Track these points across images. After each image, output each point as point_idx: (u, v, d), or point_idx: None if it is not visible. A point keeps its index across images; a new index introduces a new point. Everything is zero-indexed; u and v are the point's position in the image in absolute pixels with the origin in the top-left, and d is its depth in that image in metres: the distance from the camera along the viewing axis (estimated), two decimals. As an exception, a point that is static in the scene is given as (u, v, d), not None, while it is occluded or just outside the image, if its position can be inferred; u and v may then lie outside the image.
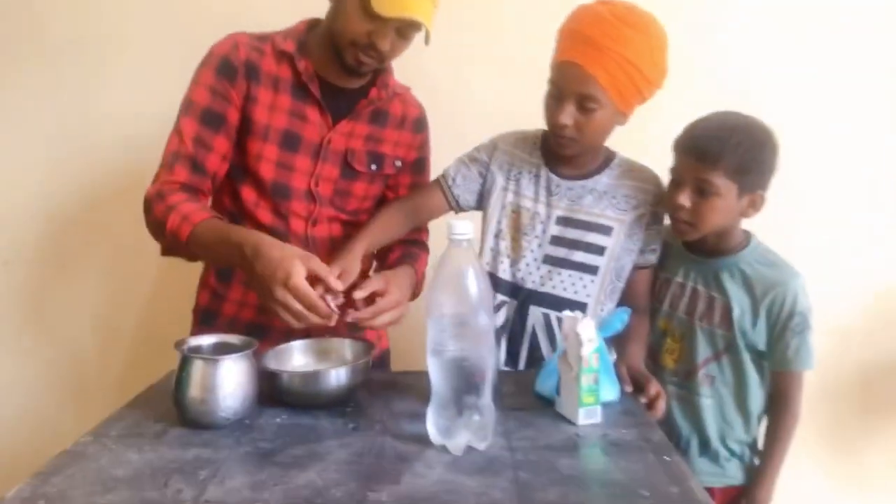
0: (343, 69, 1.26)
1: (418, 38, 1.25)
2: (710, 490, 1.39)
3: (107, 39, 1.93)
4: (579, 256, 1.32)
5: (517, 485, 0.83)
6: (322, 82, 1.29)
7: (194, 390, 0.97)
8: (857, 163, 1.97)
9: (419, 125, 1.42)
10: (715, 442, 1.38)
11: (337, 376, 1.07)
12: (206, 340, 1.06)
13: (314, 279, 1.05)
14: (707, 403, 1.37)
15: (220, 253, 1.13)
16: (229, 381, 0.98)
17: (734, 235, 1.36)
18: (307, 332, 1.18)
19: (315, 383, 1.07)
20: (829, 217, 1.97)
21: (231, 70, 1.24)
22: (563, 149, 1.28)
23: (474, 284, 0.91)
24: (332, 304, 1.06)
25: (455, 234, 0.92)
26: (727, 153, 1.22)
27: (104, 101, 1.93)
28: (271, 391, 1.07)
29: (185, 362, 0.99)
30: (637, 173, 1.36)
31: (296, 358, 1.18)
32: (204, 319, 1.37)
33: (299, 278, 1.01)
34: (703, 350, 1.36)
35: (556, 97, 1.24)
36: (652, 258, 1.38)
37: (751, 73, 1.91)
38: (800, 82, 1.92)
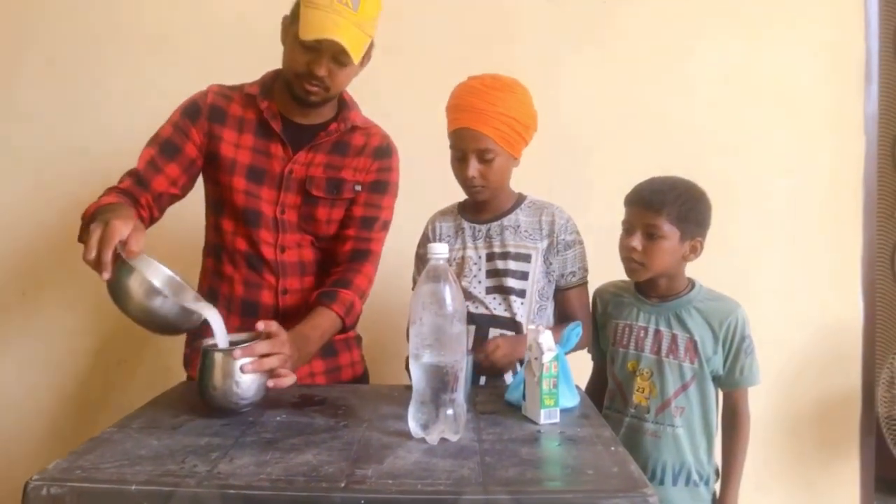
0: (297, 102, 1.42)
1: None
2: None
3: (146, 55, 2.13)
4: (510, 282, 1.55)
5: (483, 466, 0.98)
6: (286, 121, 1.45)
7: (216, 379, 1.15)
8: (808, 210, 2.16)
9: (379, 152, 1.53)
10: (690, 467, 1.52)
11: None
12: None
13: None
14: (680, 433, 1.52)
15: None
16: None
17: (681, 281, 1.57)
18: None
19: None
20: (784, 258, 2.16)
21: (195, 111, 1.43)
22: (477, 196, 1.56)
23: (449, 297, 1.07)
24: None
25: (433, 254, 1.09)
26: (669, 203, 1.47)
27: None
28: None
29: (205, 356, 1.16)
30: (545, 210, 1.60)
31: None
32: (208, 299, 1.40)
33: (110, 223, 1.09)
34: (672, 382, 1.52)
35: (460, 158, 1.52)
36: (573, 280, 1.60)
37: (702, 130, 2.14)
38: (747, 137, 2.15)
